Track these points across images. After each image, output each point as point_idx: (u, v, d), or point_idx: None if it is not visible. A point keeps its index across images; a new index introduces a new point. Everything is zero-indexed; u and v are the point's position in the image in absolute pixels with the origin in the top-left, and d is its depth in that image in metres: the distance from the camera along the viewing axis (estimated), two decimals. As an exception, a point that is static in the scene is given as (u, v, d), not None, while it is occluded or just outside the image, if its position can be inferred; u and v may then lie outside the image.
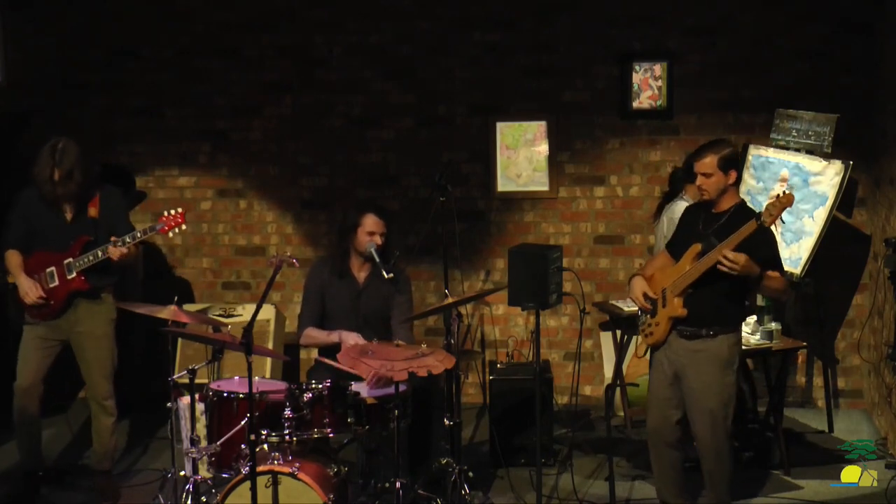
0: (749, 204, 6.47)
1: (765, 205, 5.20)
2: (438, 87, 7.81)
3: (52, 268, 6.03)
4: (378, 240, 6.05)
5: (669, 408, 5.48)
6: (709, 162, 5.31)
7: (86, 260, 6.00)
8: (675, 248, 5.54)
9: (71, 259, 6.02)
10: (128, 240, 5.97)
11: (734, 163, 5.36)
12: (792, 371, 7.58)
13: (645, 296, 5.45)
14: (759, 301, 6.50)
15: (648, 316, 5.50)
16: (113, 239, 5.95)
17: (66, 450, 6.92)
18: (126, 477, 6.49)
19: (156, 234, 6.14)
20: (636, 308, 5.68)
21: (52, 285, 6.04)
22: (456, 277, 7.28)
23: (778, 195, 5.15)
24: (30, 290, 6.01)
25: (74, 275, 6.02)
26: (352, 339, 5.85)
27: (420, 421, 5.87)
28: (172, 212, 6.14)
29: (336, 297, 6.16)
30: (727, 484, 5.50)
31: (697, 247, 5.29)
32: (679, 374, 5.41)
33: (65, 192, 5.96)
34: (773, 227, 5.25)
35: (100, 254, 6.00)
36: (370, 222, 6.07)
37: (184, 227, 6.14)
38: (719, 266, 5.15)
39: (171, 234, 6.17)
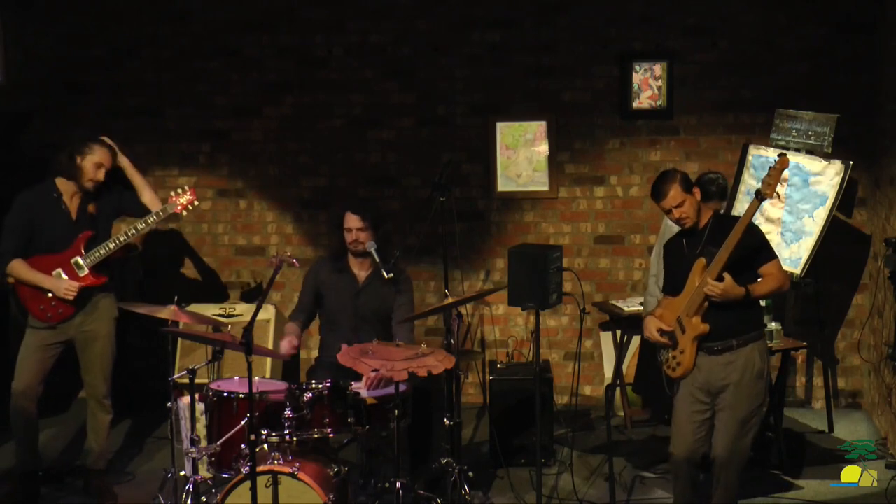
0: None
1: (762, 179, 5.18)
2: (438, 87, 7.81)
3: (59, 269, 6.01)
4: (355, 236, 6.07)
5: (702, 429, 5.34)
6: (673, 193, 5.25)
7: (97, 254, 6.00)
8: (671, 284, 5.45)
9: (78, 256, 6.01)
10: (150, 220, 6.05)
11: (690, 180, 5.34)
12: (792, 371, 7.58)
13: (661, 331, 5.37)
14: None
15: (669, 351, 5.37)
16: (131, 225, 6.06)
17: (65, 450, 6.91)
18: (125, 477, 6.50)
19: (170, 215, 6.23)
20: (636, 309, 5.65)
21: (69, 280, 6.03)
22: (456, 277, 7.28)
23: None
24: (69, 288, 5.96)
25: (87, 271, 6.01)
26: (284, 345, 5.94)
27: (420, 421, 5.87)
28: (179, 190, 6.21)
29: (335, 295, 6.17)
30: (736, 488, 5.46)
31: (702, 261, 5.22)
32: (713, 391, 5.29)
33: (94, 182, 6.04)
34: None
35: (111, 246, 6.00)
36: (347, 220, 6.12)
37: (196, 203, 6.28)
38: (708, 295, 5.15)
39: (184, 214, 6.32)
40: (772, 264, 5.28)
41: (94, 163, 6.01)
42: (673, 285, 5.43)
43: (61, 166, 6.04)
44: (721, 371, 5.27)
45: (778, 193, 6.93)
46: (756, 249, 5.24)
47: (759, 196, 5.14)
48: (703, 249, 5.26)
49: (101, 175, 6.03)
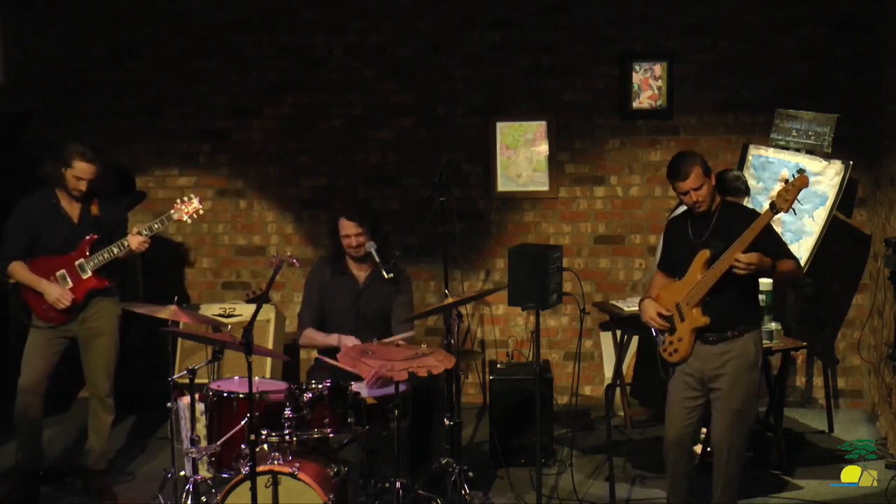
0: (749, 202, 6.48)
1: (776, 191, 5.15)
2: (438, 87, 7.81)
3: (63, 271, 6.02)
4: (354, 241, 6.07)
5: (692, 415, 5.41)
6: (695, 176, 5.22)
7: (101, 258, 6.01)
8: (670, 263, 5.48)
9: (82, 259, 6.02)
10: (155, 226, 6.03)
11: (708, 165, 5.34)
12: (792, 371, 7.58)
13: (660, 315, 5.40)
14: (759, 301, 6.50)
15: (667, 335, 5.42)
16: (136, 229, 6.01)
17: (65, 450, 6.91)
18: (125, 477, 6.50)
19: (173, 222, 6.22)
20: (636, 309, 5.66)
21: (66, 288, 6.02)
22: (456, 277, 7.28)
23: (788, 179, 5.11)
24: (62, 296, 5.99)
25: (90, 274, 6.02)
26: (350, 342, 5.86)
27: (420, 421, 5.87)
28: (185, 198, 6.20)
29: (336, 297, 6.17)
30: (738, 482, 5.47)
31: (706, 253, 5.22)
32: (706, 380, 5.34)
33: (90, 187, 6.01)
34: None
35: (115, 250, 6.01)
36: (343, 227, 6.11)
37: (201, 211, 6.25)
38: (735, 270, 5.12)
39: (188, 221, 6.27)
40: (787, 255, 5.31)
41: (73, 175, 5.99)
42: (671, 264, 5.46)
43: (48, 175, 6.04)
44: (715, 360, 5.31)
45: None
46: (770, 242, 5.23)
47: (774, 209, 5.10)
48: (708, 240, 5.26)
49: (81, 186, 6.01)
